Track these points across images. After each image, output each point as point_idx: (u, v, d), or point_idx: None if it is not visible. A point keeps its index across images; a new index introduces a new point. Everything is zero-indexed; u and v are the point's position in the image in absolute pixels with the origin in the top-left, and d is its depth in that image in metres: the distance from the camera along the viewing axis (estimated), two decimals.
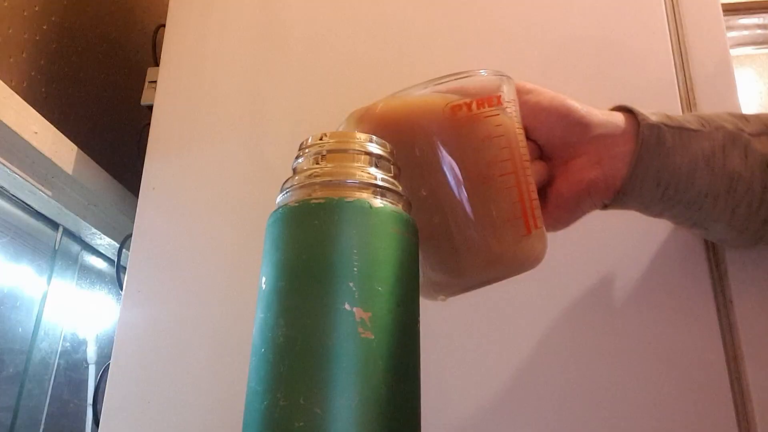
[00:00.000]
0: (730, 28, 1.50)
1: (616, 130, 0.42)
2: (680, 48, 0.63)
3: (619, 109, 0.44)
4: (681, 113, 0.59)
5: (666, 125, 0.42)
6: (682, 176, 0.42)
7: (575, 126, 0.41)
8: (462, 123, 0.35)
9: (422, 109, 0.36)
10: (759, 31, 1.52)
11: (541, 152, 0.43)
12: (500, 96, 0.37)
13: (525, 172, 0.38)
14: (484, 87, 0.36)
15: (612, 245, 0.56)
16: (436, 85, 0.35)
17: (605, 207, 0.44)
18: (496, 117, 0.36)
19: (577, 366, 0.53)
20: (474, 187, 0.36)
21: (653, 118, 0.42)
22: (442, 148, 0.36)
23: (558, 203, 0.42)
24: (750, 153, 0.42)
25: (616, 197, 0.42)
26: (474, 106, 0.35)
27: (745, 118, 0.45)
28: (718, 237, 0.50)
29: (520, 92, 0.41)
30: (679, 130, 0.42)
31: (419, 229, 0.32)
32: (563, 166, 0.42)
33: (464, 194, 0.36)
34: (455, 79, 0.35)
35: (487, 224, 0.36)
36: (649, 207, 0.44)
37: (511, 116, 0.38)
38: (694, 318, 0.53)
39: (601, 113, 0.42)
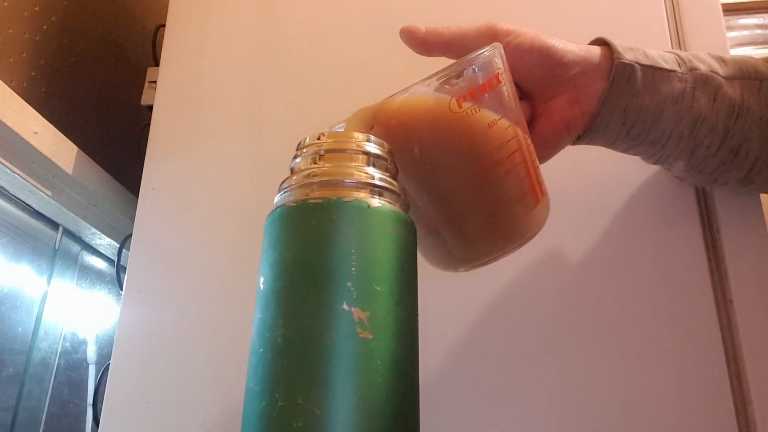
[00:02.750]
0: (730, 28, 1.50)
1: (592, 67, 0.42)
2: (680, 48, 0.63)
3: (598, 41, 0.44)
4: None
5: (640, 64, 0.42)
6: (648, 116, 0.43)
7: (555, 68, 0.41)
8: (468, 115, 0.35)
9: (428, 110, 0.35)
10: (759, 31, 1.52)
11: (521, 92, 0.43)
12: (498, 74, 0.37)
13: (527, 142, 0.39)
14: (482, 67, 0.36)
15: (612, 245, 0.56)
16: (438, 80, 0.35)
17: (575, 142, 0.45)
18: (498, 98, 0.36)
19: (576, 366, 0.53)
20: (485, 175, 0.36)
21: (628, 56, 0.42)
22: (451, 143, 0.36)
23: (541, 142, 0.43)
24: (719, 97, 0.43)
25: (584, 133, 0.44)
26: (477, 93, 0.35)
27: (723, 60, 0.45)
28: (678, 174, 0.50)
29: (500, 35, 0.41)
30: (652, 69, 0.42)
31: (437, 219, 0.32)
32: (543, 104, 0.43)
33: (477, 183, 0.36)
34: (455, 69, 0.35)
35: (500, 208, 0.37)
36: (614, 144, 0.45)
37: (508, 87, 0.38)
38: (694, 318, 0.53)
39: (579, 49, 0.42)
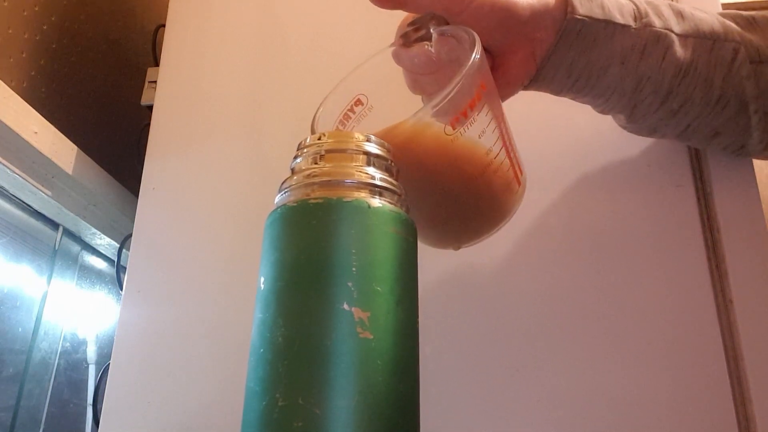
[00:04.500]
0: None
1: (548, 21, 0.42)
2: None
3: None
4: None
5: (593, 18, 0.42)
6: (594, 72, 0.43)
7: (514, 27, 0.41)
8: (461, 134, 0.37)
9: (426, 139, 0.37)
10: None
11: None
12: (483, 83, 0.38)
13: (507, 131, 0.40)
14: (465, 87, 0.36)
15: (612, 245, 0.56)
16: (432, 108, 0.36)
17: (524, 88, 0.45)
18: (484, 105, 0.37)
19: (576, 366, 0.53)
20: (479, 177, 0.38)
21: (582, 9, 0.42)
22: (450, 160, 0.38)
23: (501, 94, 0.43)
24: (668, 56, 0.43)
25: (530, 83, 0.44)
26: (468, 110, 0.36)
27: (682, 14, 0.45)
28: (620, 124, 0.51)
29: None
30: (605, 23, 0.42)
31: (436, 217, 0.33)
32: (502, 57, 0.43)
33: (472, 186, 0.39)
34: (450, 96, 0.36)
35: (493, 200, 0.40)
36: (560, 94, 0.46)
37: (490, 86, 0.39)
38: (694, 318, 0.53)
39: (537, 3, 0.42)
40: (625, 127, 0.50)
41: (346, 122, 0.46)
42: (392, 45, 0.45)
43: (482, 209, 0.41)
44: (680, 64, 0.43)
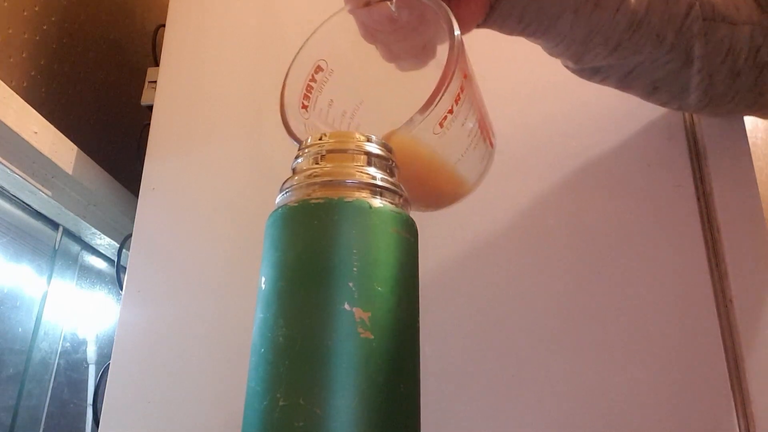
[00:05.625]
0: None
1: None
2: None
3: None
4: (681, 114, 0.59)
5: None
6: (545, 19, 0.43)
7: None
8: (448, 128, 0.38)
9: (419, 148, 0.38)
10: None
11: None
12: (465, 73, 0.38)
13: (480, 100, 0.41)
14: (456, 81, 0.37)
15: (612, 245, 0.56)
16: (423, 117, 0.36)
17: (477, 26, 0.45)
18: (467, 95, 0.38)
19: (576, 366, 0.53)
20: (461, 159, 0.40)
21: None
22: (440, 152, 0.39)
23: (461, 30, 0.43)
24: (623, 8, 0.42)
25: (481, 23, 0.44)
26: (454, 105, 0.37)
27: None
28: (566, 65, 0.50)
29: None
30: None
31: (426, 194, 0.37)
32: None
33: (457, 172, 0.41)
34: (437, 103, 0.36)
35: (475, 170, 0.42)
36: (511, 34, 0.46)
37: (470, 72, 0.40)
38: (694, 318, 0.53)
39: None
40: (573, 70, 0.50)
41: (309, 94, 0.45)
42: (347, 3, 0.44)
43: (464, 181, 0.43)
44: (634, 17, 0.42)
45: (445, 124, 0.37)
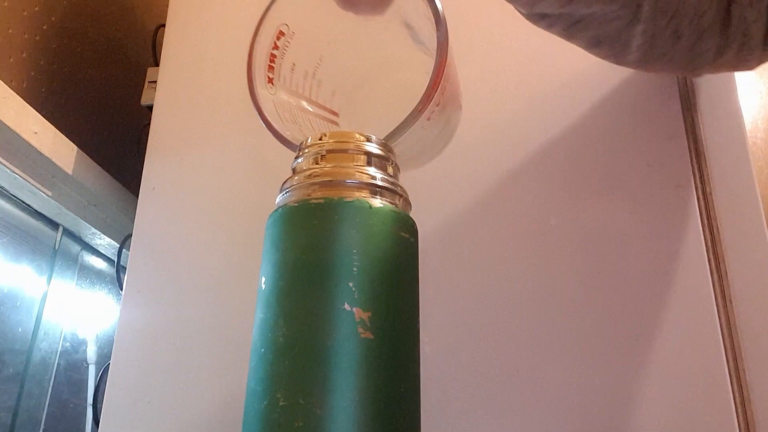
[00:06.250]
0: None
1: None
2: None
3: None
4: (681, 113, 0.59)
5: None
6: None
7: None
8: (433, 117, 0.38)
9: (411, 142, 0.38)
10: None
11: None
12: (448, 61, 0.38)
13: (455, 76, 0.43)
14: (445, 78, 0.37)
15: (611, 245, 0.56)
16: (415, 118, 0.36)
17: None
18: (448, 82, 0.39)
19: (576, 366, 0.53)
20: (441, 133, 0.43)
21: None
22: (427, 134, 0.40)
23: None
24: None
25: None
26: (441, 99, 0.38)
27: None
28: (518, 9, 0.48)
29: None
30: None
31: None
32: None
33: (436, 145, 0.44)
34: (430, 95, 0.36)
35: (450, 136, 0.45)
36: None
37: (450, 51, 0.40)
38: (694, 318, 0.53)
39: None
40: (521, 13, 0.48)
41: (273, 64, 0.43)
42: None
43: (439, 150, 0.45)
44: None
45: (432, 117, 0.37)
